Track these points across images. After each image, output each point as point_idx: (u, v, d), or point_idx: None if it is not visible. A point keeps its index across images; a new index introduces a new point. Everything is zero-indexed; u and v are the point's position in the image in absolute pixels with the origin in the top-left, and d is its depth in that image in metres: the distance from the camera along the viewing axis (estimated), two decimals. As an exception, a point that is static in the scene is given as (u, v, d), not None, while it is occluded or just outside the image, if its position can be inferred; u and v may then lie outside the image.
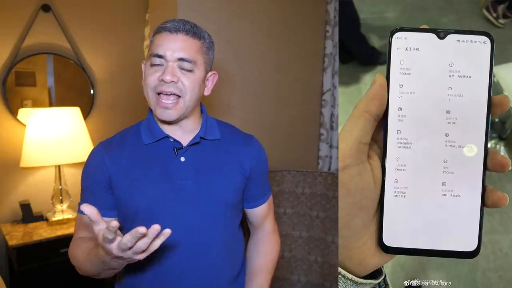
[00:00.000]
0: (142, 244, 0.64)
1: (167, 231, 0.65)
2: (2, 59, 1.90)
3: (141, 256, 0.67)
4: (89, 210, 0.63)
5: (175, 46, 0.81)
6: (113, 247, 0.65)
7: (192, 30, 0.84)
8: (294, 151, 2.03)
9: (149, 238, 0.64)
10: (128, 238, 0.62)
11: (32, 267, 1.69)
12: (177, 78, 0.81)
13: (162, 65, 0.82)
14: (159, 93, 0.82)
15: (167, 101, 0.82)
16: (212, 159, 0.91)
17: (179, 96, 0.83)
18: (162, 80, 0.80)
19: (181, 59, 0.81)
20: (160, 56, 0.81)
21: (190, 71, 0.83)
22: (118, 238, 0.64)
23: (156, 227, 0.63)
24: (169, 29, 0.82)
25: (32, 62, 1.98)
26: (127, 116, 2.20)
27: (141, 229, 0.61)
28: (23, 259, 1.67)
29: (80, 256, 0.82)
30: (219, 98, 1.67)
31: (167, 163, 0.88)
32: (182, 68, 0.82)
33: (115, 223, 0.61)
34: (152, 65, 0.83)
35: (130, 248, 0.64)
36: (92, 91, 2.16)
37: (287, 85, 1.95)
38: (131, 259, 0.68)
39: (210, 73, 0.91)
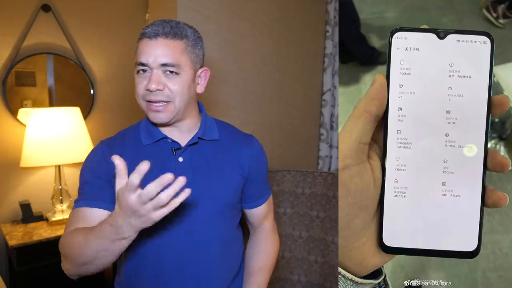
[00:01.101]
0: (165, 195, 0.61)
1: (188, 190, 0.62)
2: (2, 59, 1.90)
3: (159, 214, 0.63)
4: (119, 161, 0.61)
5: (156, 52, 0.80)
6: (133, 198, 0.61)
7: (172, 32, 0.81)
8: (294, 151, 2.03)
9: (173, 189, 0.61)
10: (152, 186, 0.60)
11: (32, 267, 1.69)
12: (162, 85, 0.80)
13: (147, 72, 0.81)
14: (148, 101, 0.82)
15: (156, 105, 0.82)
16: (210, 160, 0.91)
17: (167, 102, 0.82)
18: (148, 89, 0.80)
19: (164, 65, 0.80)
20: (143, 64, 0.81)
21: (176, 74, 0.82)
22: (139, 190, 0.61)
23: (181, 179, 0.61)
24: (148, 35, 0.81)
25: (32, 62, 1.98)
26: (127, 116, 2.20)
27: (169, 175, 0.59)
28: (23, 259, 1.67)
29: (80, 238, 0.75)
30: (219, 98, 1.67)
31: (165, 163, 0.88)
32: (168, 73, 0.81)
33: (146, 164, 0.59)
34: (138, 73, 0.82)
35: (151, 200, 0.61)
36: (92, 91, 2.16)
37: (287, 85, 1.95)
38: (147, 218, 0.64)
39: (201, 70, 0.89)
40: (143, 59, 0.80)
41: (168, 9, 1.53)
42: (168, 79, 0.81)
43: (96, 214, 0.83)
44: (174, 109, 0.83)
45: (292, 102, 1.99)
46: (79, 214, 0.85)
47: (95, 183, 0.86)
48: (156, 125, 0.89)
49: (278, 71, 1.89)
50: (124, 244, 0.70)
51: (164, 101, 0.82)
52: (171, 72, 0.81)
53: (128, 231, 0.67)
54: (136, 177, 0.60)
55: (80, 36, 2.11)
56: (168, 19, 0.85)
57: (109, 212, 0.82)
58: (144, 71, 0.82)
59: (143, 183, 0.85)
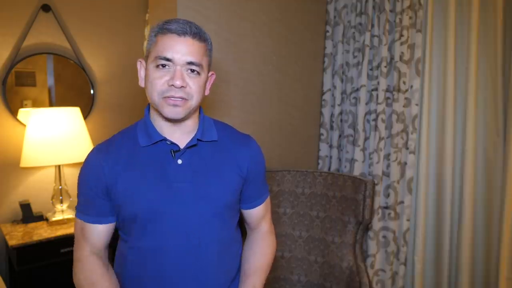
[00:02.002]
0: None
1: None
2: (2, 59, 1.90)
3: None
4: None
5: (183, 50, 0.81)
6: None
7: (198, 33, 0.84)
8: (294, 151, 2.03)
9: None
10: None
11: (32, 267, 1.69)
12: (185, 83, 0.82)
13: (169, 67, 0.82)
14: (166, 97, 0.82)
15: (175, 99, 0.82)
16: (209, 161, 0.91)
17: (186, 99, 0.83)
18: (172, 85, 0.81)
19: (190, 63, 0.82)
20: (167, 59, 0.81)
21: (198, 74, 0.84)
22: None
23: None
24: (175, 31, 0.81)
25: (32, 62, 1.98)
26: (127, 116, 2.20)
27: None
28: (23, 259, 1.67)
29: None
30: (219, 98, 1.67)
31: (164, 165, 0.88)
32: (189, 72, 0.83)
33: None
34: (158, 67, 0.82)
35: None
36: (92, 91, 2.16)
37: (287, 85, 1.95)
38: None
39: (209, 74, 0.92)
40: (168, 54, 0.81)
41: (168, 9, 1.53)
42: (190, 78, 0.83)
43: (97, 230, 0.89)
44: (190, 106, 0.85)
45: (292, 102, 1.99)
46: (82, 229, 0.90)
47: (90, 196, 0.89)
48: (157, 123, 0.89)
49: (278, 71, 1.89)
50: None
51: (184, 98, 0.83)
52: (193, 71, 0.83)
53: None
54: None
55: (80, 36, 2.11)
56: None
57: (109, 225, 0.89)
58: (164, 65, 0.82)
59: (144, 183, 0.85)
